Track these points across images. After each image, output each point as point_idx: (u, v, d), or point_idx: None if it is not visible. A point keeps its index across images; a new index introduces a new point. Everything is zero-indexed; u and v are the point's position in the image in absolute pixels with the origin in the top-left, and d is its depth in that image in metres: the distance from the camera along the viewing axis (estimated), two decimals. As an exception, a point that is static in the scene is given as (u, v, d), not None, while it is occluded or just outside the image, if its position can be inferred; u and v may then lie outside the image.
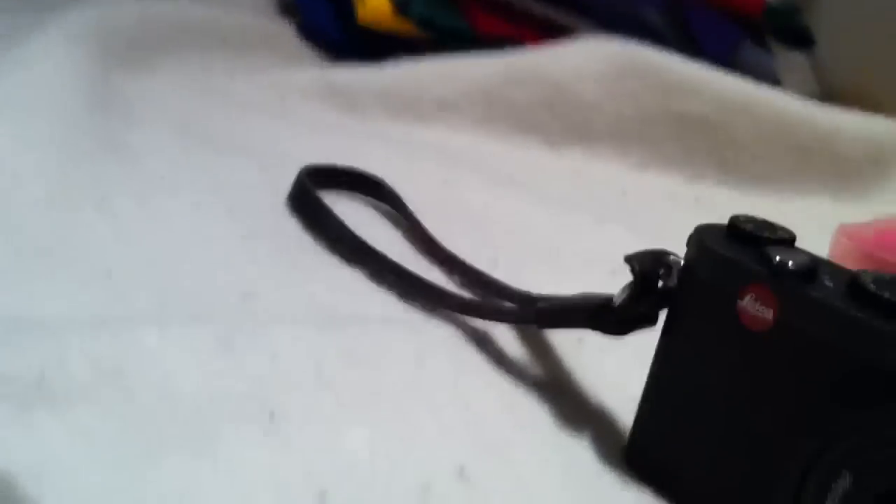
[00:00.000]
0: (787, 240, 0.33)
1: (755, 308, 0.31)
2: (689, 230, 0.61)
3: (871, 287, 0.30)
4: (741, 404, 0.31)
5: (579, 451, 0.35)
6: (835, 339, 0.29)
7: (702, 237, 0.33)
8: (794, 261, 0.31)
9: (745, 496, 0.31)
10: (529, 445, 0.34)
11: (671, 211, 0.66)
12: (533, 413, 0.36)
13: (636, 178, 0.71)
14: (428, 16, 0.80)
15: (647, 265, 0.34)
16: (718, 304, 0.32)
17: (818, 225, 0.62)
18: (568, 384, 0.39)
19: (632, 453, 0.35)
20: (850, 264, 0.60)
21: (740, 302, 0.31)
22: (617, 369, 0.39)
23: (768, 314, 0.31)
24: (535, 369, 0.39)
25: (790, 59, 0.96)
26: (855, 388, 0.28)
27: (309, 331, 0.36)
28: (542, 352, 0.40)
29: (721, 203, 0.70)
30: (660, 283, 0.34)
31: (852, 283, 0.30)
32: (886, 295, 0.29)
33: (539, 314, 0.38)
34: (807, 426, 0.29)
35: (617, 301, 0.35)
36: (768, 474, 0.30)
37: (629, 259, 0.34)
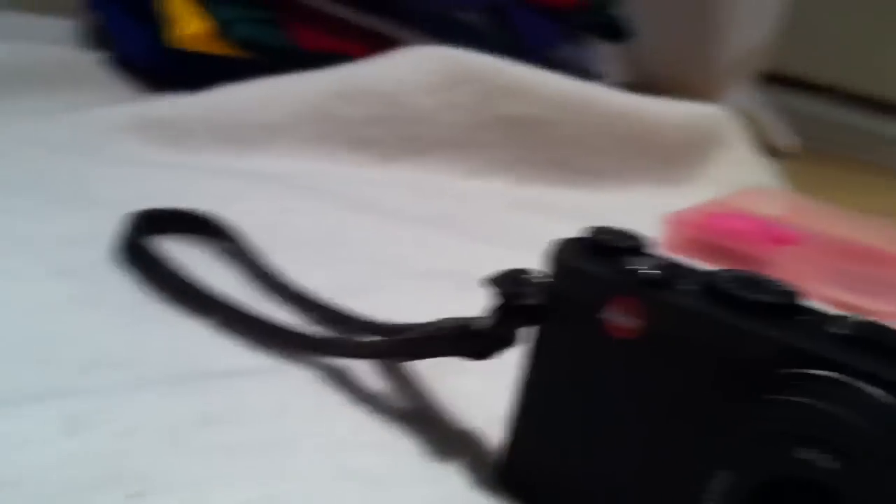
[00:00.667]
0: (641, 247, 0.33)
1: (621, 319, 0.31)
2: (532, 233, 0.62)
3: (729, 287, 0.30)
4: (616, 414, 0.31)
5: (454, 479, 0.34)
6: (701, 341, 0.29)
7: (561, 253, 0.33)
8: (653, 269, 0.31)
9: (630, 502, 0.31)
10: (403, 482, 0.33)
11: (511, 215, 0.66)
12: (403, 448, 0.35)
13: (474, 185, 0.71)
14: (250, 36, 0.78)
15: (508, 286, 0.33)
16: (584, 318, 0.31)
17: (650, 214, 0.64)
18: (434, 412, 0.38)
19: (507, 474, 0.34)
20: (683, 251, 0.62)
21: (606, 315, 0.31)
22: (480, 391, 0.38)
23: (635, 323, 0.30)
24: (400, 401, 0.38)
25: (607, 53, 0.98)
26: (724, 386, 0.29)
27: (161, 395, 0.34)
28: (405, 382, 0.39)
29: (558, 202, 0.70)
30: (523, 302, 0.33)
31: (710, 285, 0.30)
32: (744, 293, 0.30)
33: (400, 347, 0.37)
34: (683, 428, 0.29)
35: (481, 325, 0.34)
36: (650, 479, 0.30)
37: (490, 282, 0.34)
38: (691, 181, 0.77)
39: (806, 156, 1.01)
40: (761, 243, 0.63)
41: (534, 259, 0.34)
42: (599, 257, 0.32)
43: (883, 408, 0.26)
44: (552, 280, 0.33)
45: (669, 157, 0.77)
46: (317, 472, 0.32)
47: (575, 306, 0.32)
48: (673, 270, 0.31)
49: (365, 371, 0.39)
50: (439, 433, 0.36)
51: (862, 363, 0.27)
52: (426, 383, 0.39)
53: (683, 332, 0.30)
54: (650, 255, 0.32)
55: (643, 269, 0.31)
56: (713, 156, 0.79)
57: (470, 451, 0.35)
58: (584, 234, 0.33)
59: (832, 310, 0.30)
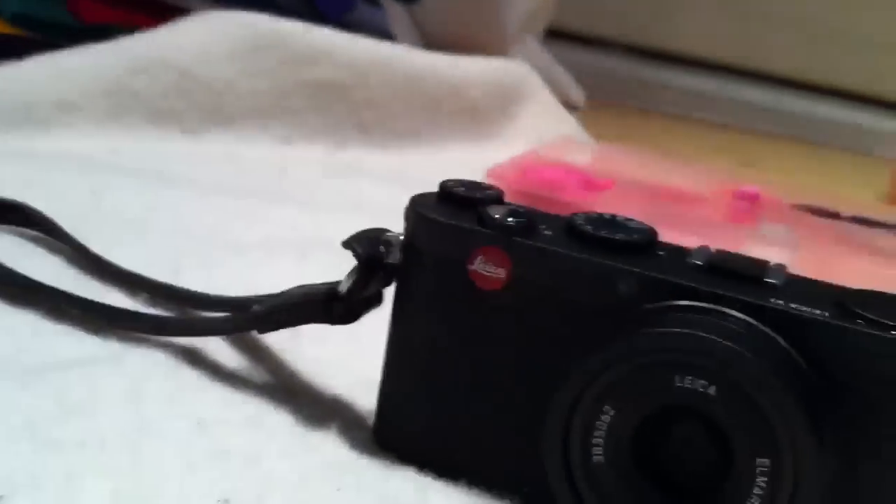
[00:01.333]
0: (497, 197, 0.33)
1: (487, 269, 0.31)
2: (358, 197, 0.62)
3: (588, 228, 0.31)
4: (491, 364, 0.32)
5: (330, 446, 0.33)
6: (568, 283, 0.30)
7: (418, 208, 0.32)
8: (512, 217, 0.31)
9: (511, 454, 0.31)
10: (278, 455, 0.32)
11: (334, 181, 0.65)
12: (273, 421, 0.34)
13: (285, 153, 0.70)
14: (23, 12, 0.72)
15: (368, 247, 0.33)
16: (448, 272, 0.31)
17: (467, 172, 0.64)
18: (300, 383, 0.37)
19: (384, 435, 0.34)
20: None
21: (470, 266, 0.31)
22: (344, 356, 0.38)
23: (501, 273, 0.31)
24: (263, 376, 0.37)
25: (398, 13, 0.98)
26: (598, 326, 0.29)
27: (12, 390, 0.31)
28: (262, 356, 0.38)
29: (377, 165, 0.70)
30: (384, 261, 0.33)
31: (569, 228, 0.31)
32: (604, 233, 0.31)
33: (258, 319, 0.35)
34: (561, 372, 0.30)
35: (343, 288, 0.33)
36: (532, 427, 0.31)
37: (349, 244, 0.33)
38: (502, 136, 0.78)
39: (592, 106, 1.05)
40: (578, 191, 0.65)
41: (369, 222, 0.34)
42: (457, 209, 0.32)
43: (749, 330, 0.28)
44: (412, 236, 0.32)
45: (478, 113, 0.78)
46: (187, 454, 0.31)
47: (438, 261, 0.32)
48: (532, 217, 0.31)
49: (217, 349, 0.38)
50: (309, 403, 0.35)
51: (724, 289, 0.29)
52: (286, 355, 0.38)
53: (550, 276, 0.30)
54: (508, 205, 0.32)
55: (503, 217, 0.31)
56: (519, 110, 0.80)
57: (343, 417, 0.35)
58: (439, 188, 0.33)
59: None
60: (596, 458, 0.28)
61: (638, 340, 0.28)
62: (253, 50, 0.72)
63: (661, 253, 0.31)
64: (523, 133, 0.79)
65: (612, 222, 0.32)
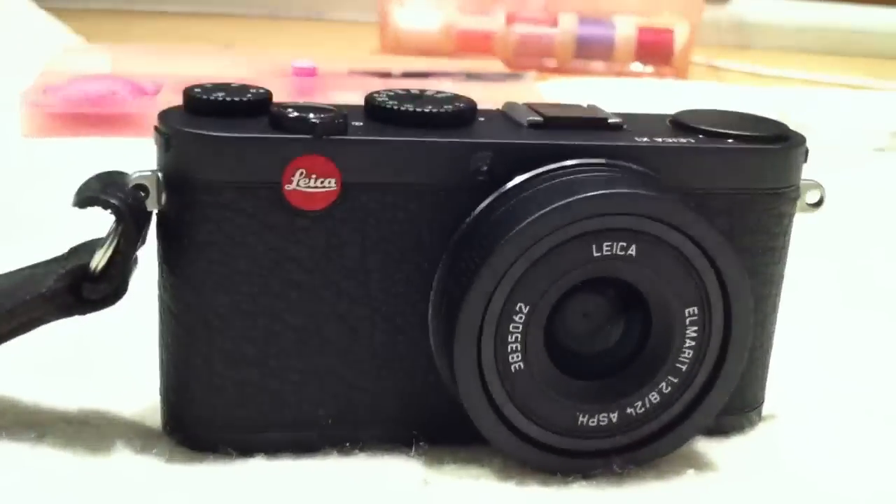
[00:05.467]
0: (267, 97, 0.26)
1: (312, 184, 0.24)
2: None
3: (398, 106, 0.26)
4: (323, 296, 0.25)
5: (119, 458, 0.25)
6: (410, 172, 0.25)
7: (180, 126, 0.24)
8: (315, 113, 0.25)
9: (368, 396, 0.26)
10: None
11: None
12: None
13: None
14: None
15: (123, 195, 0.24)
16: (250, 201, 0.24)
17: None
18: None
19: (179, 421, 0.26)
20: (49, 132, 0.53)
21: (287, 186, 0.24)
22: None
23: (332, 183, 0.24)
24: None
25: None
26: (454, 208, 0.25)
27: None
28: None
29: None
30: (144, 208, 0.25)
31: (373, 111, 0.26)
32: (421, 109, 0.25)
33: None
34: (423, 273, 0.25)
35: (100, 262, 0.24)
36: (385, 360, 0.26)
37: (92, 199, 0.24)
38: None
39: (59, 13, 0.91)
40: (128, 100, 0.57)
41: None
42: (235, 120, 0.25)
43: (635, 176, 0.25)
44: (182, 166, 0.24)
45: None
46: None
47: (230, 190, 0.24)
48: (340, 111, 0.25)
49: None
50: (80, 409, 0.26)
51: (585, 140, 0.25)
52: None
53: (390, 171, 0.25)
54: (299, 105, 0.25)
55: (315, 117, 0.24)
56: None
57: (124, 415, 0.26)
58: (186, 98, 0.25)
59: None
60: (514, 367, 0.24)
61: (545, 219, 0.23)
62: None
63: (482, 120, 0.27)
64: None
65: (417, 97, 0.26)
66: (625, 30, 0.87)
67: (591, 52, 0.87)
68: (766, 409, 0.29)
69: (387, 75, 0.67)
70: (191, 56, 0.69)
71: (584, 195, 0.23)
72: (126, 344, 0.30)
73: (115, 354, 0.30)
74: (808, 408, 0.30)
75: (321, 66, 0.64)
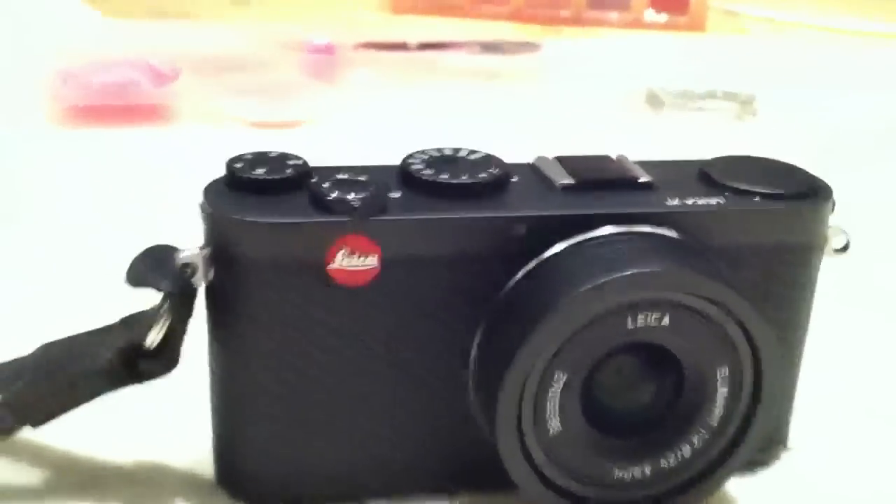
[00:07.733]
0: (307, 168, 0.26)
1: (353, 262, 0.25)
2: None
3: (432, 175, 0.26)
4: (367, 366, 0.26)
5: None
6: (447, 245, 0.25)
7: (225, 208, 0.25)
8: (354, 191, 0.25)
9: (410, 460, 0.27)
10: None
11: None
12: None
13: None
14: None
15: (172, 275, 0.25)
16: (295, 278, 0.25)
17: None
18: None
19: (231, 476, 0.28)
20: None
21: (331, 265, 0.25)
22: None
23: (372, 260, 0.25)
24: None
25: None
26: (485, 285, 0.26)
27: None
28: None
29: None
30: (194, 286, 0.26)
31: (407, 179, 0.26)
32: (457, 179, 0.26)
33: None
34: (464, 339, 0.26)
35: (154, 339, 0.25)
36: (421, 426, 0.27)
37: (141, 279, 0.25)
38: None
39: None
40: (149, 90, 0.57)
41: None
42: (265, 196, 0.25)
43: (664, 244, 0.26)
44: (227, 245, 0.25)
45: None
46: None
47: (276, 269, 0.25)
48: (371, 186, 0.26)
49: None
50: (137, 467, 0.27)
51: (614, 207, 0.26)
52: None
53: (427, 246, 0.25)
54: (331, 177, 0.26)
55: (352, 194, 0.25)
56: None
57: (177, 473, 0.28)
58: (227, 172, 0.26)
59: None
60: (552, 430, 0.25)
61: (584, 297, 0.24)
62: None
63: (515, 180, 0.27)
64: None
65: (450, 159, 0.27)
66: (640, -22, 0.86)
67: (605, 2, 0.86)
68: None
69: (402, 47, 0.67)
70: (205, 29, 0.69)
71: (621, 274, 0.24)
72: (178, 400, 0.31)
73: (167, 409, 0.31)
74: (808, 408, 0.31)
75: (333, 33, 0.64)
